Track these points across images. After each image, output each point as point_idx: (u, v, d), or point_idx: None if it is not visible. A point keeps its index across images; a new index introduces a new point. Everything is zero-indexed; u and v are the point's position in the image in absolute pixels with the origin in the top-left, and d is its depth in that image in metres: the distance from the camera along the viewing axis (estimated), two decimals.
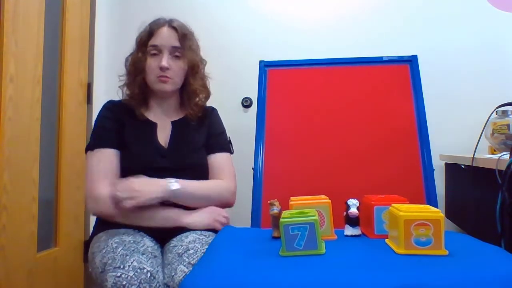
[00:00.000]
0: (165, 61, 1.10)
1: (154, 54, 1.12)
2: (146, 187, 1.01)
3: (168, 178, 1.05)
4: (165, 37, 1.12)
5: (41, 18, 1.54)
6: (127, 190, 0.98)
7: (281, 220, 0.73)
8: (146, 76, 1.14)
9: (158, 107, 1.19)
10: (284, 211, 0.80)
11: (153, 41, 1.12)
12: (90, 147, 1.11)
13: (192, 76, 1.18)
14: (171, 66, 1.12)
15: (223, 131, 1.27)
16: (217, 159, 1.20)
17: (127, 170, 1.08)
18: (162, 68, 1.10)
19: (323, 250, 0.74)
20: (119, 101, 1.20)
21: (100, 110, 1.18)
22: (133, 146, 1.11)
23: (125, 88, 1.18)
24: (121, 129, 1.13)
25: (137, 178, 1.02)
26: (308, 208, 0.82)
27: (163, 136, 1.16)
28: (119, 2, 2.08)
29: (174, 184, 1.03)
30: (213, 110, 1.29)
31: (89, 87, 1.87)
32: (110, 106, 1.17)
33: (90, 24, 1.90)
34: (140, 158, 1.10)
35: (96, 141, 1.11)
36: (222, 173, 1.18)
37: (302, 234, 0.72)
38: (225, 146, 1.24)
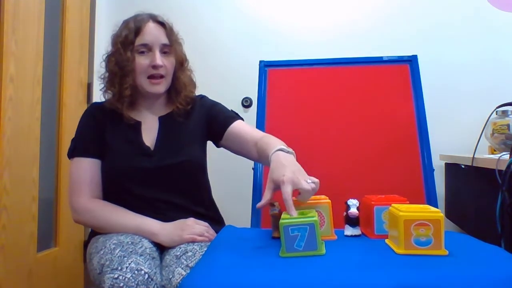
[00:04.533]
0: (158, 59, 1.06)
1: (142, 52, 1.07)
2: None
3: None
4: (154, 34, 1.07)
5: (41, 18, 1.54)
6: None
7: (281, 221, 0.73)
8: (135, 77, 1.08)
9: (145, 106, 1.15)
10: (284, 211, 0.80)
11: (141, 40, 1.06)
12: (69, 154, 1.09)
13: (181, 71, 1.14)
14: (163, 64, 1.07)
15: (222, 106, 1.21)
16: (238, 127, 1.12)
17: (112, 173, 1.07)
18: (155, 67, 1.06)
19: (323, 251, 0.74)
20: (103, 102, 1.15)
21: (82, 115, 1.14)
22: (116, 148, 1.08)
23: (108, 91, 1.12)
24: (102, 135, 1.09)
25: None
26: (308, 208, 0.82)
27: (150, 134, 1.11)
28: (119, 2, 2.08)
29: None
30: (202, 97, 1.23)
31: (89, 87, 1.87)
32: (91, 110, 1.13)
33: (90, 24, 1.90)
34: (123, 160, 1.07)
35: (75, 149, 1.08)
36: (254, 132, 1.10)
37: (302, 235, 0.71)
38: (235, 114, 1.18)
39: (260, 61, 1.64)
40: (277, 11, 2.01)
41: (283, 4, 2.01)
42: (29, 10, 1.47)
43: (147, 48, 1.07)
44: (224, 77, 1.97)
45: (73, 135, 1.12)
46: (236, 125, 1.13)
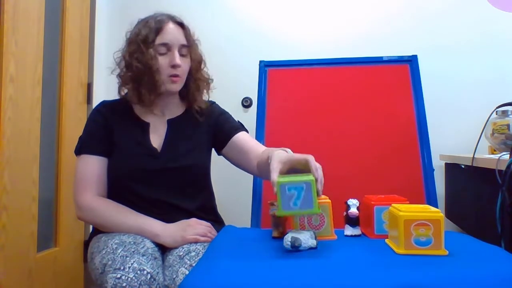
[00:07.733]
0: (178, 58, 1.07)
1: (162, 53, 1.07)
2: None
3: None
4: (174, 35, 1.08)
5: (41, 18, 1.54)
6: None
7: (278, 179, 0.71)
8: (154, 76, 1.07)
9: (157, 106, 1.15)
10: (279, 175, 0.76)
11: (161, 39, 1.07)
12: (77, 151, 1.10)
13: (198, 72, 1.16)
14: (181, 64, 1.09)
15: (230, 116, 1.24)
16: (243, 138, 1.15)
17: (118, 173, 1.07)
18: (174, 66, 1.07)
19: (319, 210, 0.73)
20: (113, 101, 1.16)
21: (91, 112, 1.15)
22: (123, 148, 1.08)
23: (124, 88, 1.13)
24: (110, 133, 1.09)
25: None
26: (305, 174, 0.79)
27: (157, 136, 1.12)
28: (119, 2, 2.08)
29: None
30: (212, 103, 1.25)
31: (89, 87, 1.87)
32: (100, 109, 1.14)
33: (90, 24, 1.90)
34: (129, 160, 1.07)
35: (82, 146, 1.09)
36: (257, 146, 1.13)
37: (299, 193, 0.71)
38: (241, 126, 1.21)
39: (260, 61, 1.64)
40: (277, 11, 2.01)
41: (283, 4, 2.01)
42: (29, 10, 1.47)
43: (167, 48, 1.08)
44: (224, 77, 1.95)
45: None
46: (241, 136, 1.16)
